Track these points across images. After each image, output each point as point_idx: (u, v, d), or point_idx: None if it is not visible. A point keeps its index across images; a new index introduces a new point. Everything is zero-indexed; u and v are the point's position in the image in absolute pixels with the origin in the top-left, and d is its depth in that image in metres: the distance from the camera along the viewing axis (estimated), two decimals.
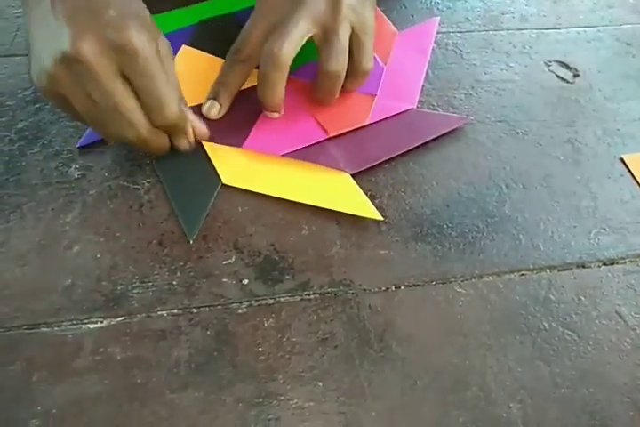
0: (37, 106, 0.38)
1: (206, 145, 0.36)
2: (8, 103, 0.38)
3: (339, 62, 0.35)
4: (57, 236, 0.32)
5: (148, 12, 0.30)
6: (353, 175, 0.36)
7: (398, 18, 0.48)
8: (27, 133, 0.37)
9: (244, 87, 0.39)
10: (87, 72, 0.27)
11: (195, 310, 0.30)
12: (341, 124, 0.38)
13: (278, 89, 0.35)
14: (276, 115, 0.37)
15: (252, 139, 0.37)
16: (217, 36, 0.43)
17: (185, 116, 0.32)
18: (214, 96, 0.37)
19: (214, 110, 0.37)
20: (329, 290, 0.31)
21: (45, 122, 0.37)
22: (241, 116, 0.38)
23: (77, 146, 0.36)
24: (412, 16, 0.49)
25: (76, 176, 0.35)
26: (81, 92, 0.28)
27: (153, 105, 0.29)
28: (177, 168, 0.35)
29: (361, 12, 0.36)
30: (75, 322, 0.29)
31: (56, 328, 0.29)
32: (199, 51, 0.42)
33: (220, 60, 0.40)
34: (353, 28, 0.35)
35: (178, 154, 0.35)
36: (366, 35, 0.36)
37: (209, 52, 0.42)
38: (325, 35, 0.35)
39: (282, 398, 0.27)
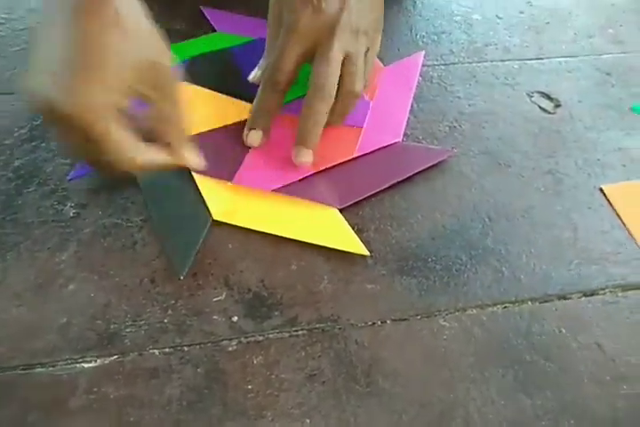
0: (33, 144, 0.39)
1: (197, 178, 0.37)
2: (5, 142, 0.39)
3: (361, 83, 0.38)
4: (53, 274, 0.33)
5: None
6: (340, 209, 0.37)
7: (384, 51, 0.49)
8: (23, 172, 0.38)
9: (233, 121, 0.41)
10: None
11: (186, 348, 0.31)
12: (328, 157, 0.40)
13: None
14: (309, 157, 0.38)
15: (242, 173, 0.38)
16: (209, 71, 0.45)
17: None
18: (254, 126, 0.38)
19: (256, 138, 0.38)
20: (317, 325, 0.32)
21: (41, 160, 0.39)
22: (230, 150, 0.39)
23: (68, 178, 0.37)
24: (398, 49, 0.51)
25: (71, 214, 0.36)
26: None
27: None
28: (167, 202, 0.36)
29: (373, 35, 0.40)
30: (69, 361, 0.30)
31: (51, 368, 0.29)
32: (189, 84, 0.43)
33: (214, 94, 0.42)
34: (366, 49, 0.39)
35: (169, 188, 0.36)
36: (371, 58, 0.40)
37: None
38: (349, 59, 0.37)
39: None
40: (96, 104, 0.26)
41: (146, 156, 0.30)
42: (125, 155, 0.28)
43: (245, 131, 0.38)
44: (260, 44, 0.42)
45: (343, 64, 0.37)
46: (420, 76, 0.48)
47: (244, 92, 0.42)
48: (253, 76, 0.42)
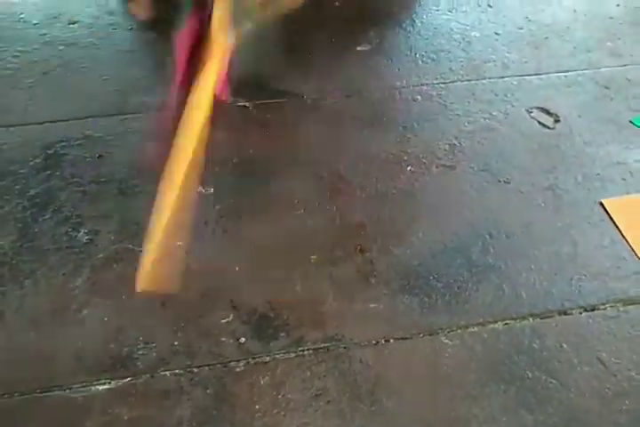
0: (48, 173, 0.41)
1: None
2: (20, 171, 0.41)
3: None
4: (67, 300, 0.34)
5: None
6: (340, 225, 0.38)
7: (386, 71, 0.51)
8: (38, 200, 0.40)
9: None
10: None
11: (195, 370, 0.32)
12: None
13: None
14: None
15: None
16: None
17: None
18: None
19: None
20: (322, 345, 0.33)
21: (55, 188, 0.40)
22: None
23: None
24: (398, 69, 0.52)
25: (84, 241, 0.37)
26: None
27: None
28: None
29: None
30: (84, 384, 0.31)
31: (67, 391, 0.31)
32: None
33: None
34: None
35: None
36: None
37: None
38: None
39: None
40: None
41: None
42: None
43: None
44: None
45: None
46: (420, 95, 0.49)
47: None
48: None
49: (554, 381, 0.33)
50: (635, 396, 0.32)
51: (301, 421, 0.30)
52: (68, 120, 0.44)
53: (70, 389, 0.30)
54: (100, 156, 0.42)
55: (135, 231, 0.38)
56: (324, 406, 0.30)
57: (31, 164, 0.42)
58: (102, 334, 0.32)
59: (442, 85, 0.51)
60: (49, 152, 0.42)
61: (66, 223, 0.38)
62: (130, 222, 0.38)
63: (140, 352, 0.32)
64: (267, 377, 0.31)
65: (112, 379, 0.31)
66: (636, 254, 0.39)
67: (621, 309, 0.36)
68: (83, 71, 0.41)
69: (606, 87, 0.52)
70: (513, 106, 0.49)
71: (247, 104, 0.47)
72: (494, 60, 0.54)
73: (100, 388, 0.31)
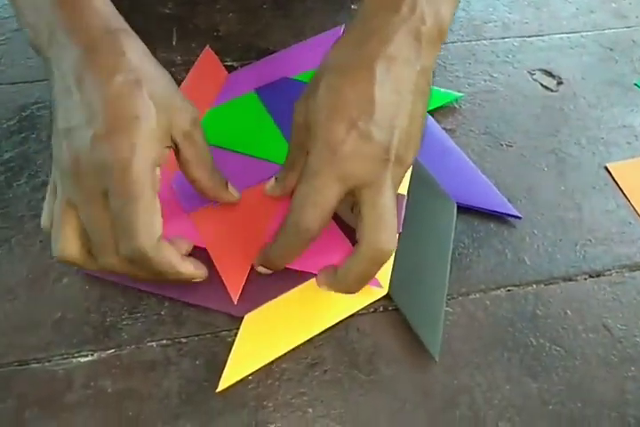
0: (23, 135, 0.39)
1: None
2: None
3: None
4: (45, 268, 0.32)
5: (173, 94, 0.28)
6: None
7: None
8: (13, 164, 0.37)
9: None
10: (73, 186, 0.26)
11: (184, 340, 0.30)
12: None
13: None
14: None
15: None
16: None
17: (162, 254, 0.26)
18: (266, 265, 0.31)
19: (265, 272, 0.31)
20: None
21: (31, 152, 0.38)
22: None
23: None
24: None
25: None
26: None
27: (121, 232, 0.25)
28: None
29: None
30: (65, 356, 0.29)
31: (47, 363, 0.29)
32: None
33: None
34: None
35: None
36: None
37: None
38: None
39: (272, 426, 0.28)
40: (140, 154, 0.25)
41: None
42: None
43: (255, 266, 0.31)
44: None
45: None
46: None
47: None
48: (270, 187, 0.33)
49: (558, 348, 0.31)
50: None
51: (297, 391, 0.28)
52: (44, 80, 0.42)
53: (50, 361, 0.29)
54: None
55: None
56: (321, 376, 0.29)
57: (4, 126, 0.39)
58: (83, 303, 0.30)
59: (442, 46, 0.48)
60: (23, 114, 0.39)
61: (42, 189, 0.36)
62: None
63: (125, 322, 0.30)
64: None
65: (95, 351, 0.29)
66: None
67: (627, 274, 0.35)
68: None
69: (610, 49, 0.49)
70: (515, 67, 0.47)
71: (235, 64, 0.45)
72: (495, 21, 0.51)
73: (82, 360, 0.29)
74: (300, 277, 0.32)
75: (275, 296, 0.31)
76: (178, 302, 0.31)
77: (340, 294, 0.30)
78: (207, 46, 0.45)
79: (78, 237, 0.26)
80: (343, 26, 0.46)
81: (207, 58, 0.44)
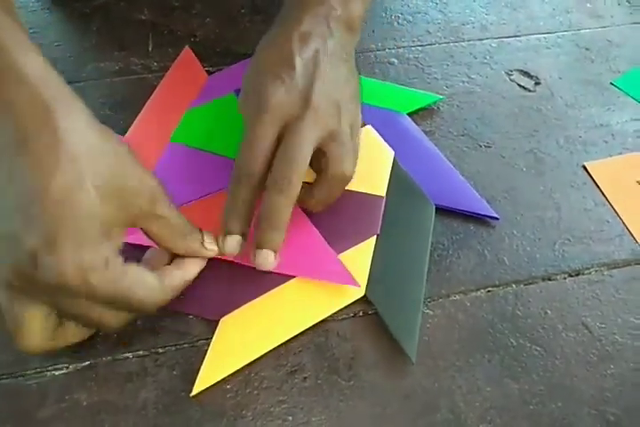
0: None
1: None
2: None
3: (352, 164, 0.31)
4: None
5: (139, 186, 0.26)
6: None
7: (360, 34, 0.48)
8: None
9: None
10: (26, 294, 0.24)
11: (160, 350, 0.30)
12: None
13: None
14: (272, 260, 0.30)
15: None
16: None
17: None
18: (231, 230, 0.30)
19: (235, 245, 0.30)
20: None
21: None
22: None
23: None
24: (373, 31, 0.49)
25: None
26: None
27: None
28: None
29: (354, 110, 0.33)
30: (39, 370, 0.29)
31: (20, 378, 0.28)
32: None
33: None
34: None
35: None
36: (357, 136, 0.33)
37: None
38: (332, 137, 0.31)
39: None
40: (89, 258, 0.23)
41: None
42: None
43: (220, 237, 0.30)
44: None
45: (326, 144, 0.30)
46: (397, 58, 0.47)
47: None
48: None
49: (539, 348, 0.31)
50: (619, 360, 0.31)
51: (276, 399, 0.28)
52: None
53: (23, 376, 0.28)
54: None
55: None
56: (300, 383, 0.29)
57: None
58: None
59: (419, 48, 0.48)
60: None
61: None
62: None
63: (100, 333, 0.29)
64: None
65: (69, 363, 0.29)
66: (619, 217, 0.38)
67: (606, 273, 0.35)
68: (34, 37, 0.37)
69: (587, 49, 0.50)
70: (492, 69, 0.47)
71: (212, 69, 0.44)
72: (472, 22, 0.52)
73: (57, 373, 0.28)
74: (275, 279, 0.31)
75: (250, 300, 0.31)
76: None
77: (318, 296, 0.30)
78: (186, 46, 0.45)
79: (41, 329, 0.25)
80: None
81: (186, 58, 0.44)
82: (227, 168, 0.35)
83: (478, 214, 0.36)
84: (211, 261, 0.30)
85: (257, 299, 0.31)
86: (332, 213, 0.33)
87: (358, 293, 0.32)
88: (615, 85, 0.46)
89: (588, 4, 0.54)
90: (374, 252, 0.33)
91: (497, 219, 0.36)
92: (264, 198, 0.29)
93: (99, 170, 0.24)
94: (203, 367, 0.28)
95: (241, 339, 0.30)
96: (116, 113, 0.41)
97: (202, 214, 0.32)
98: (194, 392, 0.28)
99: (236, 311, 0.30)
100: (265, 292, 0.31)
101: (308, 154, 0.30)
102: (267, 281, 0.31)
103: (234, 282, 0.31)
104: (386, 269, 0.33)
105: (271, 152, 0.30)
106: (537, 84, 0.46)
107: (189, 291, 0.30)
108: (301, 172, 0.29)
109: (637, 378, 0.30)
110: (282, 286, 0.31)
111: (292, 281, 0.32)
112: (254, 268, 0.30)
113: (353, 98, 0.33)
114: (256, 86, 0.31)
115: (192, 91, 0.41)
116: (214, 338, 0.30)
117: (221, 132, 0.38)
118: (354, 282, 0.31)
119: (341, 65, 0.33)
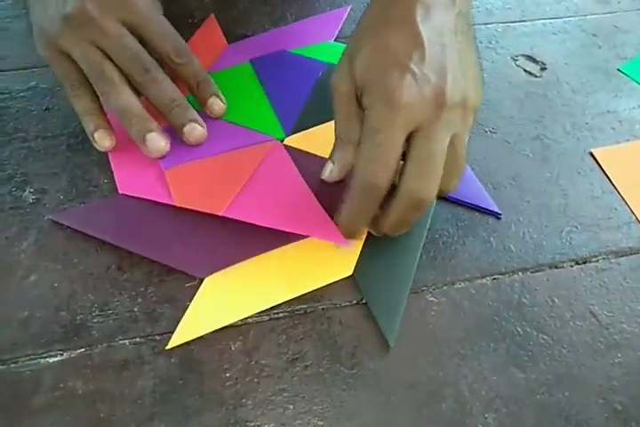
0: None
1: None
2: None
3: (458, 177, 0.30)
4: (12, 265, 0.31)
5: None
6: None
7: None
8: None
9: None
10: (92, 25, 0.29)
11: (158, 338, 0.29)
12: None
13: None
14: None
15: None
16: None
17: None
18: (350, 237, 0.31)
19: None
20: (298, 307, 0.31)
21: None
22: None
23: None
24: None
25: (30, 201, 0.33)
26: (87, 45, 0.30)
27: (168, 49, 0.33)
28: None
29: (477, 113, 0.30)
30: (32, 357, 0.28)
31: (12, 365, 0.27)
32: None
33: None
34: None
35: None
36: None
37: None
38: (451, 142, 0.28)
39: (251, 424, 0.27)
40: None
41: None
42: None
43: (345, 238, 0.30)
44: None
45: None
46: None
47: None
48: (329, 172, 0.32)
49: (545, 337, 0.31)
50: (626, 348, 0.30)
51: (277, 387, 0.27)
52: (9, 71, 0.40)
53: (16, 362, 0.27)
54: (46, 108, 0.38)
55: (85, 189, 0.34)
56: (302, 371, 0.28)
57: None
58: (52, 301, 0.29)
59: None
60: None
61: (9, 182, 0.34)
62: (79, 180, 0.34)
63: (96, 320, 0.28)
64: (238, 343, 0.28)
65: (64, 350, 0.28)
66: (627, 204, 0.37)
67: (613, 260, 0.34)
68: (26, 18, 0.36)
69: (593, 35, 0.49)
70: (498, 53, 0.46)
71: None
72: (477, 6, 0.50)
73: (51, 360, 0.27)
74: (266, 244, 0.31)
75: (238, 261, 0.31)
76: (152, 297, 0.30)
77: (306, 269, 0.31)
78: (211, 14, 0.45)
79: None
80: (349, 8, 0.46)
81: (210, 25, 0.44)
82: (232, 133, 0.36)
83: (480, 208, 0.36)
84: (206, 217, 0.31)
85: (245, 261, 0.31)
86: (331, 192, 0.33)
87: (346, 271, 0.31)
88: (622, 72, 0.45)
89: None
90: (367, 233, 0.32)
91: (499, 215, 0.35)
92: (393, 209, 0.28)
93: None
94: (182, 322, 0.28)
95: (224, 300, 0.29)
96: None
97: (212, 171, 0.33)
98: (169, 346, 0.28)
99: (222, 271, 0.30)
100: (254, 255, 0.31)
101: (442, 163, 0.27)
102: (257, 244, 0.31)
103: (224, 241, 0.31)
104: (377, 253, 0.32)
105: (400, 158, 0.27)
106: (543, 69, 0.45)
107: (179, 246, 0.30)
108: (437, 186, 0.28)
109: None
110: (272, 251, 0.31)
111: (283, 248, 0.31)
112: (247, 228, 0.31)
113: (480, 101, 0.30)
114: (381, 76, 0.27)
115: (211, 57, 0.42)
116: (197, 294, 0.29)
117: (233, 99, 0.38)
118: (342, 240, 0.31)
119: (470, 44, 0.30)
